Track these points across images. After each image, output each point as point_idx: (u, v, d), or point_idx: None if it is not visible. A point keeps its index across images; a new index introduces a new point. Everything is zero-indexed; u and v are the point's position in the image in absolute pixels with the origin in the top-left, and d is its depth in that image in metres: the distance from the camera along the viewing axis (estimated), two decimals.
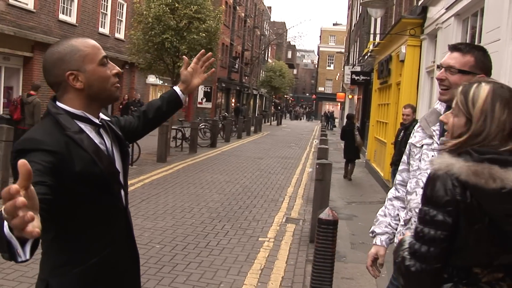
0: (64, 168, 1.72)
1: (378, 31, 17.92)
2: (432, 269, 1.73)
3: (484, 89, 1.77)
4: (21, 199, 1.09)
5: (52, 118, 1.83)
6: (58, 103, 1.88)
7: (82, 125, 1.88)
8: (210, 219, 7.82)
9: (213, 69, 2.58)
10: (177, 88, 2.41)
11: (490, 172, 1.64)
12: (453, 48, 2.37)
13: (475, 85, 1.80)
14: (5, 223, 1.21)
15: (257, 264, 5.80)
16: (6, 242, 1.24)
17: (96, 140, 1.91)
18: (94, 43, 1.92)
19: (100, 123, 1.97)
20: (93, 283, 1.89)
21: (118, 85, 1.99)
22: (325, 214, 3.64)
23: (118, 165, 2.02)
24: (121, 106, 21.94)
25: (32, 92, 12.12)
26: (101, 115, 2.01)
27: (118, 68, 1.98)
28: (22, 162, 1.14)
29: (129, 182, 2.33)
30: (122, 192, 2.03)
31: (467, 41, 7.60)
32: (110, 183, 1.92)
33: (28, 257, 1.28)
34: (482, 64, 2.28)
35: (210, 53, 2.55)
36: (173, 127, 17.19)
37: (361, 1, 16.90)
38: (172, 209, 8.29)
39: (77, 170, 1.76)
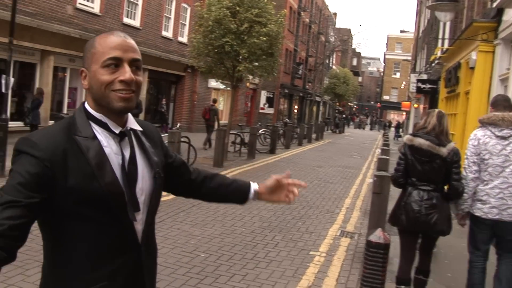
0: (52, 179, 1.48)
1: (447, 37, 17.08)
2: (400, 177, 4.56)
3: (434, 111, 4.61)
4: None
5: (69, 119, 1.64)
6: (85, 104, 1.68)
7: (100, 131, 1.61)
8: (260, 228, 7.51)
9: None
10: (254, 185, 2.03)
11: (411, 138, 4.50)
12: None
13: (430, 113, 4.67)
14: None
15: (305, 281, 5.42)
16: None
17: (112, 148, 1.62)
18: (111, 41, 1.60)
19: (124, 132, 1.67)
20: None
21: (126, 95, 1.61)
22: (375, 237, 3.15)
23: (143, 185, 1.68)
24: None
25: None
26: (132, 124, 1.71)
27: (130, 75, 1.60)
28: None
29: None
30: (139, 223, 1.68)
31: None
32: (113, 205, 1.57)
33: None
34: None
35: (305, 183, 2.09)
36: (231, 132, 17.00)
37: (427, 5, 16.14)
38: (222, 216, 8.04)
39: (69, 183, 1.50)
